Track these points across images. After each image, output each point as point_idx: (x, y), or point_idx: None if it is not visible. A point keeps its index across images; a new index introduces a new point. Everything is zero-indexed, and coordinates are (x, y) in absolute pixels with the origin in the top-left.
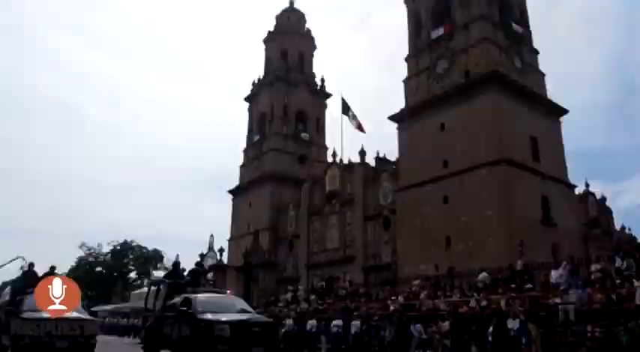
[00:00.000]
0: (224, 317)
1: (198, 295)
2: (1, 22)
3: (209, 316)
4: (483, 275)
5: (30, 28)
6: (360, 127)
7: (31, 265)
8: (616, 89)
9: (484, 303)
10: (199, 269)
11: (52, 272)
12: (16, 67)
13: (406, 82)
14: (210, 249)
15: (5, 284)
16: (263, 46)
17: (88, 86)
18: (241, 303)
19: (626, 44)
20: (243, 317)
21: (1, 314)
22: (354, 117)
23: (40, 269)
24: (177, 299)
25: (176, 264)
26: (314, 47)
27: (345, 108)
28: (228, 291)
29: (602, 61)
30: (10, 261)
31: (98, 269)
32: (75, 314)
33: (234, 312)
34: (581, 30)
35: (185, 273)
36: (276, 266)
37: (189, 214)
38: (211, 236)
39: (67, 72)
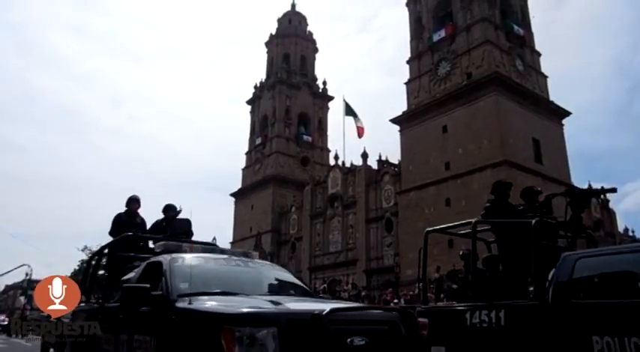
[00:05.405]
0: None
1: None
2: (5, 24)
3: None
4: None
5: (34, 30)
6: (360, 132)
7: (133, 201)
8: (621, 91)
9: None
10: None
11: (174, 215)
12: (19, 69)
13: (408, 84)
14: None
15: (9, 287)
16: (265, 49)
17: (91, 88)
18: None
19: (631, 46)
20: None
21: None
22: (358, 120)
23: (43, 272)
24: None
25: (505, 184)
26: (316, 50)
27: (349, 111)
28: None
29: (608, 62)
30: (16, 268)
31: (101, 272)
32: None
33: None
34: (585, 32)
35: None
36: None
37: (190, 217)
38: (214, 239)
39: (71, 74)
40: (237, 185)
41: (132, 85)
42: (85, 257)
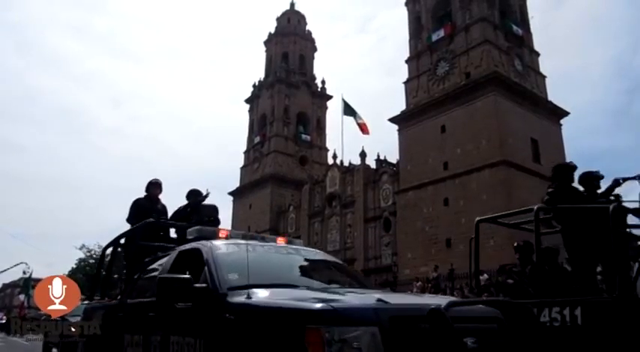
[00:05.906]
0: None
1: None
2: (5, 24)
3: None
4: (484, 276)
5: (34, 30)
6: (363, 129)
7: (154, 185)
8: (621, 91)
9: None
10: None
11: (200, 201)
12: (19, 69)
13: (407, 83)
14: None
15: (6, 285)
16: (264, 48)
17: (91, 88)
18: None
19: (631, 46)
20: None
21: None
22: (359, 118)
23: (43, 271)
24: None
25: (569, 167)
26: (315, 49)
27: (348, 110)
28: None
29: (607, 63)
30: (13, 266)
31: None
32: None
33: None
34: (585, 32)
35: None
36: None
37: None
38: None
39: (71, 74)
40: (235, 184)
41: (132, 84)
42: (82, 255)
